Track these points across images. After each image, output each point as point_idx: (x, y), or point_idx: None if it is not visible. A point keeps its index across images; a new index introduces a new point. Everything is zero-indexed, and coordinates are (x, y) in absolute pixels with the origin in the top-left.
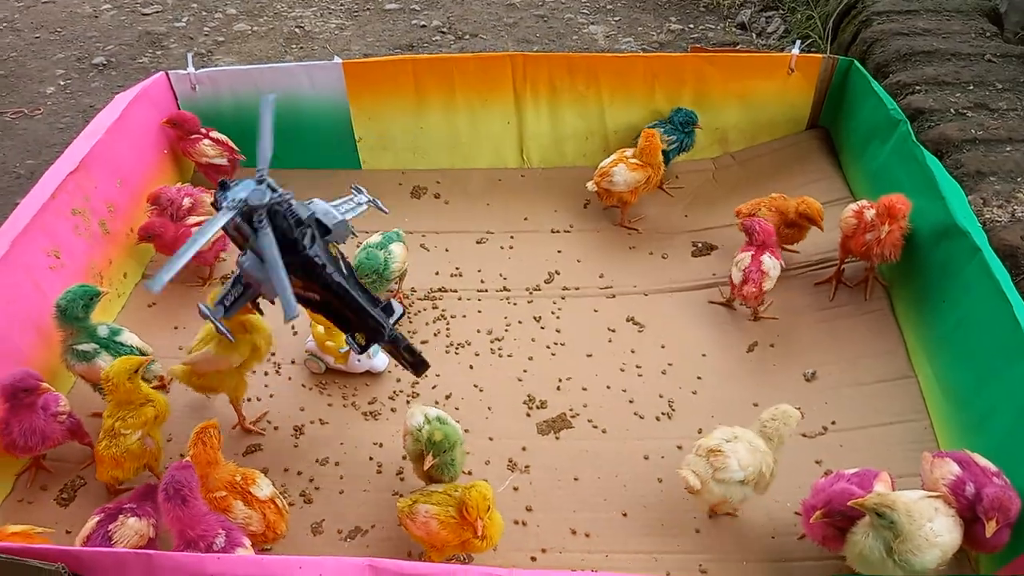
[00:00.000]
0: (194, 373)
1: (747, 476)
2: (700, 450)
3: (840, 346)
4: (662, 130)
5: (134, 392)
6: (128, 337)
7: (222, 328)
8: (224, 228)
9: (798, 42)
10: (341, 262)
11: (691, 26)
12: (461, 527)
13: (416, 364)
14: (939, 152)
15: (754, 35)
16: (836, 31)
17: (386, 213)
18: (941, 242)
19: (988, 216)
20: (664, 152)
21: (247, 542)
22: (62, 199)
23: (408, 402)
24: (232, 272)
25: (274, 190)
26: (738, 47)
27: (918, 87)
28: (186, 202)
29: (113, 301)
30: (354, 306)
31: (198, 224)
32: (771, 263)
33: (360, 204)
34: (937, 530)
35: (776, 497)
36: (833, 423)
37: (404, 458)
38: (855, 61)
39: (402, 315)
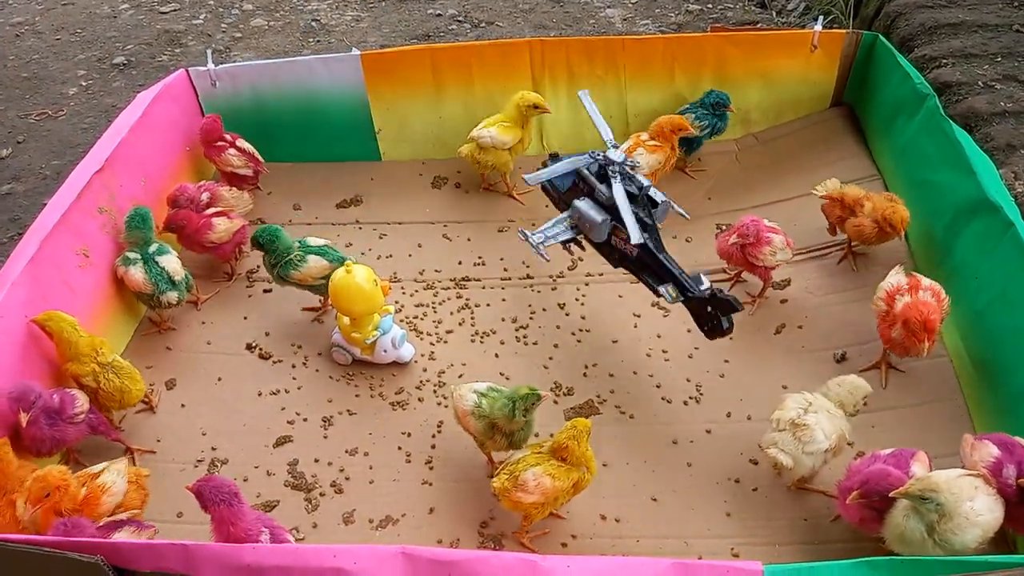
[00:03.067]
0: (478, 147)
1: (831, 444)
2: (781, 424)
3: (869, 327)
4: (693, 115)
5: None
6: (168, 259)
7: (543, 252)
8: (579, 169)
9: (820, 18)
10: (655, 233)
11: (709, 6)
12: (569, 470)
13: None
14: (968, 126)
15: (774, 13)
16: (858, 6)
17: (686, 218)
18: (972, 218)
19: (1020, 190)
20: (696, 137)
21: (291, 538)
22: (88, 198)
23: (435, 391)
24: (519, 230)
25: (626, 158)
26: (758, 25)
27: (944, 60)
28: (204, 197)
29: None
30: (668, 266)
31: (218, 214)
32: (780, 240)
33: (676, 206)
34: (978, 509)
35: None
36: (865, 404)
37: (433, 447)
38: (879, 36)
39: (708, 289)
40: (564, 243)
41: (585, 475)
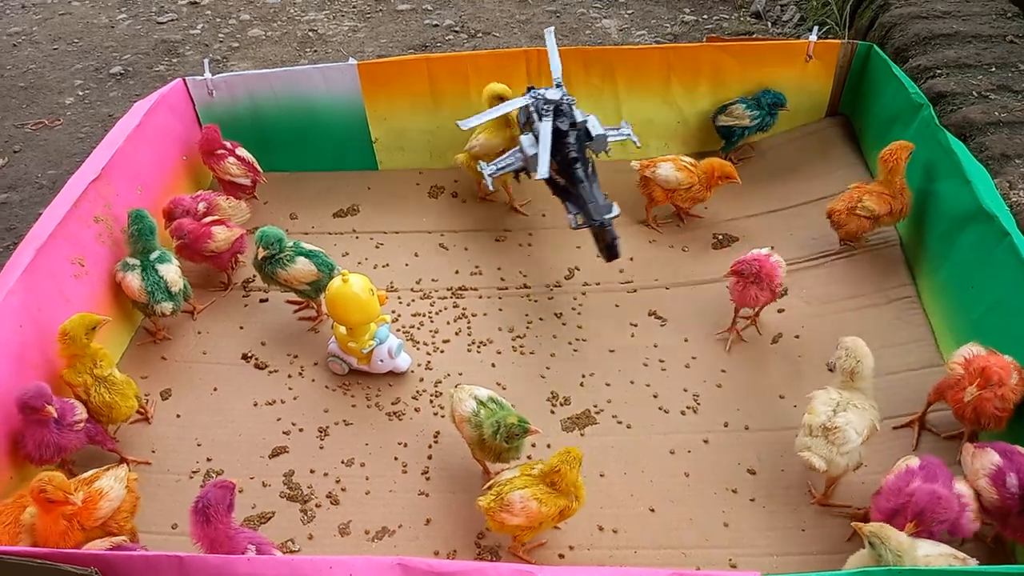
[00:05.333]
0: (472, 157)
1: (863, 438)
2: (814, 430)
3: (867, 336)
4: (743, 105)
5: (87, 348)
6: (167, 269)
7: (488, 180)
8: (524, 109)
9: (815, 28)
10: (590, 165)
11: (705, 17)
12: (556, 497)
13: (609, 249)
14: (962, 136)
15: (769, 24)
16: (853, 17)
17: (637, 146)
18: (968, 227)
19: (1015, 199)
20: (744, 127)
21: (278, 553)
22: (84, 207)
23: (432, 401)
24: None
25: (565, 95)
26: (753, 36)
27: (939, 70)
28: (201, 206)
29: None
30: (586, 195)
31: (217, 223)
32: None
33: (620, 134)
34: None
35: (804, 490)
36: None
37: (430, 458)
38: (874, 46)
39: (616, 215)
40: (515, 172)
41: (573, 504)
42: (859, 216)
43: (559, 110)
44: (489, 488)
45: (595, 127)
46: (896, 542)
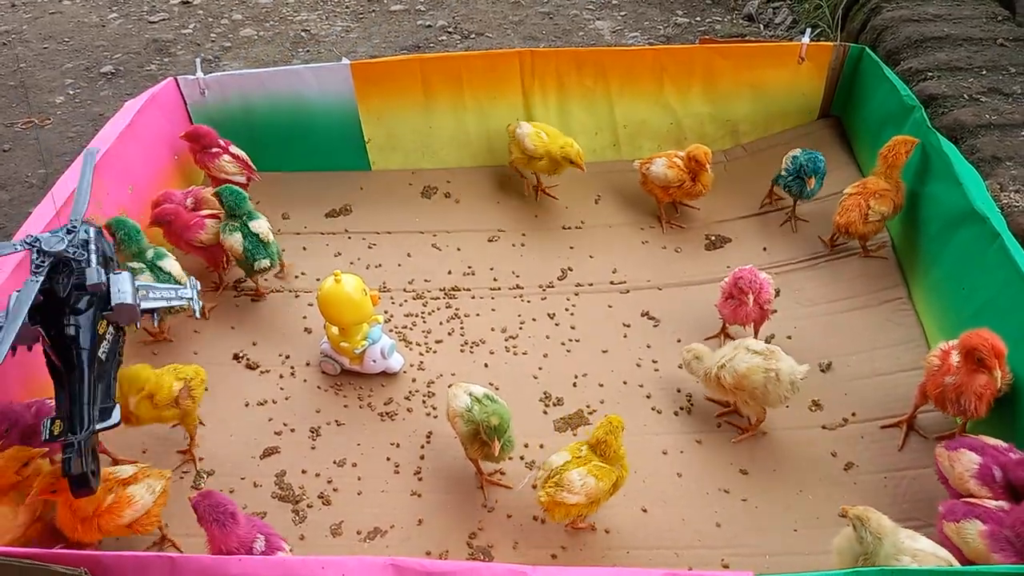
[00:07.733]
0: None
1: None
2: (770, 374)
3: (858, 337)
4: (799, 151)
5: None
6: (169, 264)
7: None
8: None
9: (808, 31)
10: (106, 343)
11: (698, 19)
12: (610, 471)
13: (73, 480)
14: (954, 138)
15: (762, 26)
16: (845, 19)
17: (199, 318)
18: (960, 228)
19: (1006, 201)
20: (778, 174)
21: (286, 546)
22: None
23: (424, 402)
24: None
25: (78, 247)
26: (746, 38)
27: (930, 73)
28: (189, 202)
29: None
30: (76, 393)
31: (211, 216)
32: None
33: (179, 299)
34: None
35: (799, 488)
36: (853, 415)
37: (422, 458)
38: (866, 48)
39: (114, 425)
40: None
41: (623, 473)
42: (872, 222)
43: (63, 264)
44: (544, 483)
45: (119, 292)
46: (876, 524)
